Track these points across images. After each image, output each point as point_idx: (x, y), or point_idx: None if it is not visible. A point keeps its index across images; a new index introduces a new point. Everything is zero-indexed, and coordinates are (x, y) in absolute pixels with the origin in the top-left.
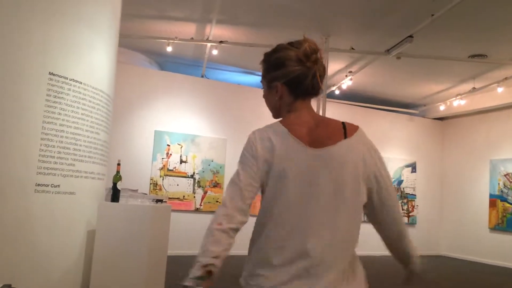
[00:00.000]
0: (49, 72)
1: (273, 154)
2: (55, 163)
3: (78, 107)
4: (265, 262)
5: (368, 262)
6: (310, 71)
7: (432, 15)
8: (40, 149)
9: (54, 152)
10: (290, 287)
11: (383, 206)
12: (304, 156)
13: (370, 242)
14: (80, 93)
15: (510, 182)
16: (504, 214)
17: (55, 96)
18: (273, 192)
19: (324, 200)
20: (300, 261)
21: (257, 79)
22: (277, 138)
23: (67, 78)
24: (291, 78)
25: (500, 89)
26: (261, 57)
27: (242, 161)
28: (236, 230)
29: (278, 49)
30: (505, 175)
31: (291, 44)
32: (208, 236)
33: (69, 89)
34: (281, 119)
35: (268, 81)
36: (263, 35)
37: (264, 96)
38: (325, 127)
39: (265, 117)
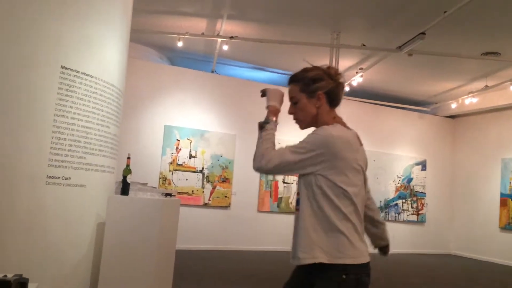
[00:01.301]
0: (61, 66)
1: None
2: (66, 155)
3: (89, 101)
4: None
5: (375, 260)
6: (340, 85)
7: (445, 12)
8: (51, 141)
9: (65, 145)
10: None
11: None
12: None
13: None
14: (91, 86)
15: None
16: None
17: (66, 90)
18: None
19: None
20: None
21: (267, 75)
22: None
23: (78, 72)
24: (330, 89)
25: None
26: (272, 53)
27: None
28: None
29: (308, 69)
30: None
31: (316, 67)
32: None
33: (81, 83)
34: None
35: (310, 92)
36: (274, 31)
37: (301, 108)
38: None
39: None
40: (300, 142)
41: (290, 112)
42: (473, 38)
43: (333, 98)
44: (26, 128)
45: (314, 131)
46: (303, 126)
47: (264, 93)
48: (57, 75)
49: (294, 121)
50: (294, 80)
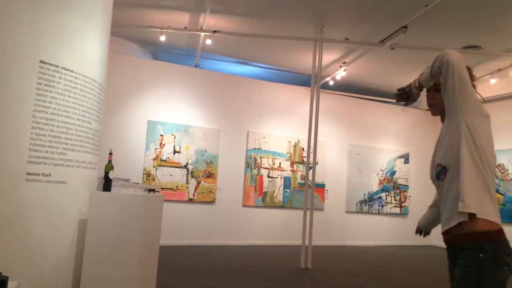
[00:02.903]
0: (40, 60)
1: None
2: (46, 152)
3: (69, 96)
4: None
5: (363, 253)
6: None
7: (426, 6)
8: (31, 137)
9: (45, 141)
10: None
11: None
12: None
13: (369, 232)
14: (71, 81)
15: (502, 173)
16: None
17: (46, 85)
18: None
19: None
20: None
21: (251, 69)
22: None
23: (58, 67)
24: None
25: (493, 81)
26: (255, 47)
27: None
28: None
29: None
30: (496, 166)
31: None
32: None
33: (60, 78)
34: None
35: None
36: (257, 25)
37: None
38: None
39: (259, 108)
40: None
41: (431, 97)
42: (454, 32)
43: None
44: (5, 124)
45: None
46: (436, 113)
47: (404, 95)
48: (36, 70)
49: (429, 106)
50: None
